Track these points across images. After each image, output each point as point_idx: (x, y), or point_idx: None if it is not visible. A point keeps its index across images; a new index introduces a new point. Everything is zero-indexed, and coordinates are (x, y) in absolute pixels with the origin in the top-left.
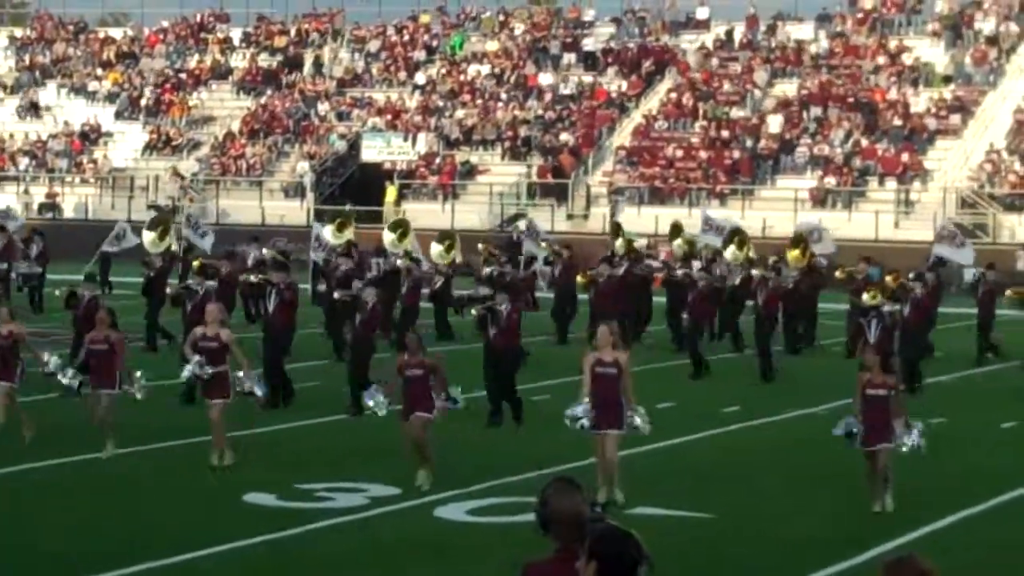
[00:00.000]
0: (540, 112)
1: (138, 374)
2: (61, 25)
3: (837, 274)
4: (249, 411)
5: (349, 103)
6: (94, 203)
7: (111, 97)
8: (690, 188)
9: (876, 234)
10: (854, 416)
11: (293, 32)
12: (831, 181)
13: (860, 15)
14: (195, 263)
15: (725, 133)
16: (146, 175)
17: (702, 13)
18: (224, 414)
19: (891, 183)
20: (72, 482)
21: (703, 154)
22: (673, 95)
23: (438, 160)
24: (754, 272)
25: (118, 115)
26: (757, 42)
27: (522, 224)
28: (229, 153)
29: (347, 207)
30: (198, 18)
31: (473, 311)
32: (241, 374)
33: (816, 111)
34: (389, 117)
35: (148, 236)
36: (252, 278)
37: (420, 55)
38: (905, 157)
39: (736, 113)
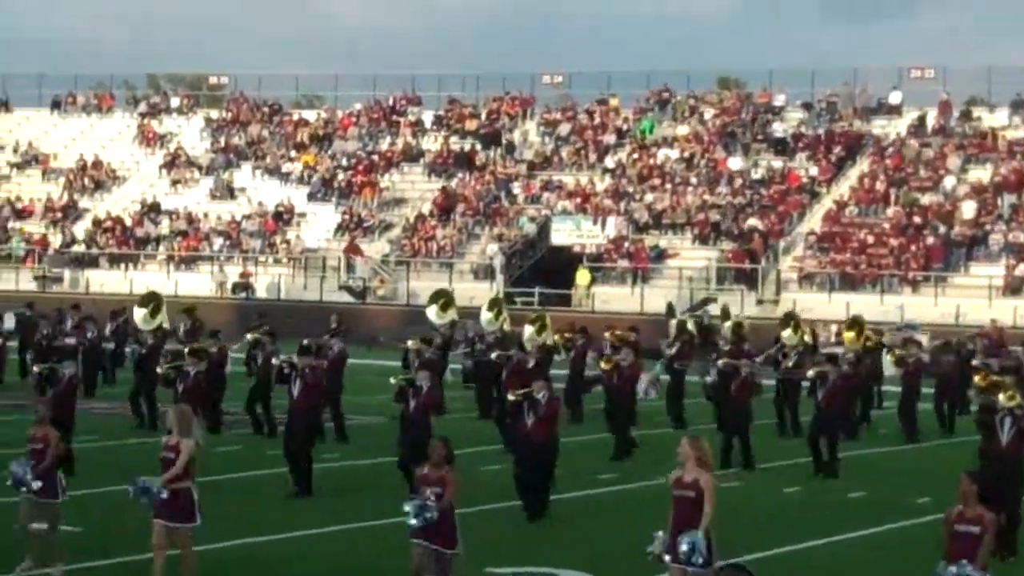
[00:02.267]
0: (730, 197)
1: None
2: (256, 107)
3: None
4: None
5: (539, 186)
6: (286, 283)
7: (304, 178)
8: (881, 275)
9: None
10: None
11: (484, 115)
12: None
13: None
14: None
15: (917, 219)
16: (338, 256)
17: (895, 98)
18: (191, 540)
19: None
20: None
21: (895, 240)
22: (865, 180)
23: (627, 244)
24: (828, 370)
25: (311, 196)
26: (950, 128)
27: None
28: (420, 235)
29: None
30: (390, 101)
31: (511, 396)
32: (151, 480)
33: (1011, 198)
34: (579, 200)
35: (139, 313)
36: (275, 361)
37: (610, 139)
38: None
39: (929, 199)
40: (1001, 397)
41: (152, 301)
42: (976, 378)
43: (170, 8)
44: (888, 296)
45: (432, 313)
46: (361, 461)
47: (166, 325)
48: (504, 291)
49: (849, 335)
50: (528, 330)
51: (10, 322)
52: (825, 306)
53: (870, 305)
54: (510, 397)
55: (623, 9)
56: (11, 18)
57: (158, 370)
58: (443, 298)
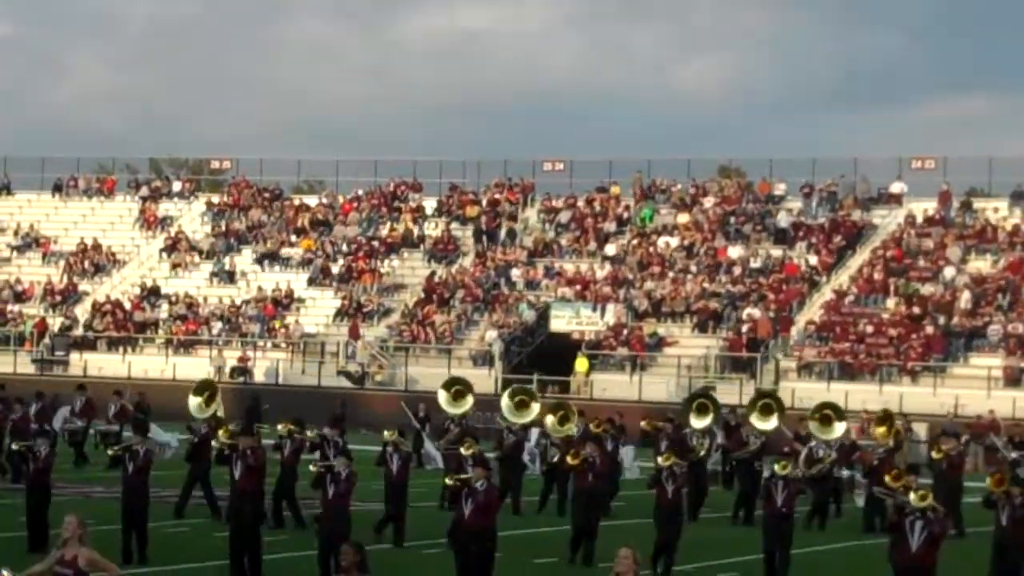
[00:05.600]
0: (729, 285)
1: None
2: (257, 192)
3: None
4: None
5: (540, 273)
6: (284, 368)
7: (304, 263)
8: (881, 364)
9: None
10: None
11: (485, 202)
12: None
13: None
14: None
15: (917, 309)
16: (337, 341)
17: (896, 188)
18: None
19: None
20: None
21: (894, 330)
22: (865, 270)
23: (626, 331)
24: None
25: (310, 281)
26: (950, 218)
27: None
28: (419, 320)
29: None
30: (391, 187)
31: (449, 481)
32: None
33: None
34: (578, 287)
35: (193, 401)
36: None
37: (610, 226)
38: None
39: (928, 289)
40: (912, 497)
41: (207, 389)
42: (887, 477)
43: (172, 92)
44: (887, 386)
45: (443, 400)
46: None
47: (220, 413)
48: (503, 378)
49: (880, 430)
50: (549, 420)
51: None
52: (824, 396)
53: (869, 395)
54: (448, 482)
55: (624, 97)
56: (14, 101)
57: (108, 452)
58: (457, 385)
